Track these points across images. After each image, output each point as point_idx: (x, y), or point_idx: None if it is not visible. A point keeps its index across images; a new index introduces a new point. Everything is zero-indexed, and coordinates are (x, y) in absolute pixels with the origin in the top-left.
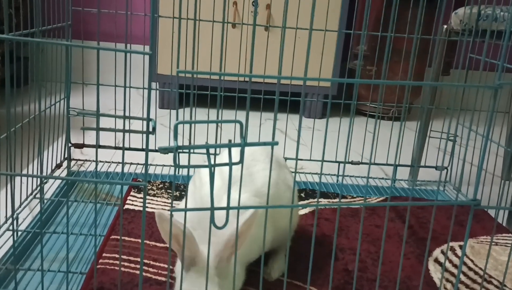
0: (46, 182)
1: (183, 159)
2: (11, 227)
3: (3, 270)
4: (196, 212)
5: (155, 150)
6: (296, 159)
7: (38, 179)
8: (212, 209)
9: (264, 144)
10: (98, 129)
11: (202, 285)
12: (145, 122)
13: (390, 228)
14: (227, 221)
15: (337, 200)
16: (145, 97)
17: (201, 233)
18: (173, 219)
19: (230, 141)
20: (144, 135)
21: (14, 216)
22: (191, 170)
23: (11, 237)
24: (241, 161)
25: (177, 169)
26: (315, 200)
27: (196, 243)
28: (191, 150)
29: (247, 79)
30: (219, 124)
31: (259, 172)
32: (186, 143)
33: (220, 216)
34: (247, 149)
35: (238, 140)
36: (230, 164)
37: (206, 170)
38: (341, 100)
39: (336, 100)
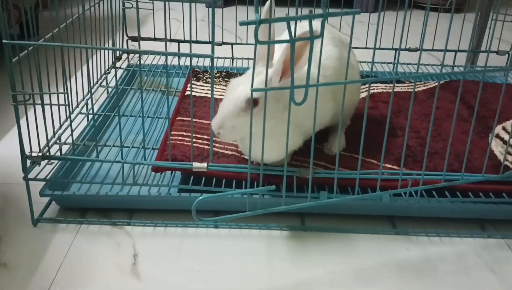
0: (109, 72)
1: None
2: (83, 111)
3: (81, 145)
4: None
5: (209, 42)
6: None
7: (103, 69)
8: (292, 88)
9: (346, 13)
10: None
11: (238, 82)
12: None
13: (451, 108)
14: (305, 97)
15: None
16: None
17: None
18: None
19: (311, 12)
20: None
21: (85, 101)
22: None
23: (83, 120)
24: (322, 34)
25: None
26: (373, 85)
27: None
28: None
29: None
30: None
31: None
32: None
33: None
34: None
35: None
36: (312, 38)
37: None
38: None
39: None
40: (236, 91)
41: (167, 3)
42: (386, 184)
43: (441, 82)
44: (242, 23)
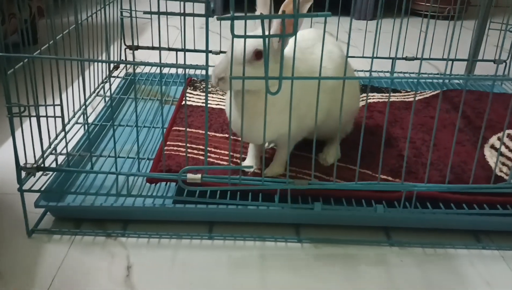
0: (106, 82)
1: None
2: (79, 121)
3: (77, 156)
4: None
5: (204, 51)
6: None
7: (100, 78)
8: (267, 78)
9: (317, 15)
10: (158, 13)
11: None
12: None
13: (446, 118)
14: (279, 88)
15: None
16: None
17: None
18: None
19: (283, 12)
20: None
21: (81, 111)
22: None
23: (79, 130)
24: (295, 32)
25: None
26: (369, 94)
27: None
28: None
29: None
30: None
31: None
32: None
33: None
34: (316, 32)
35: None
36: (283, 36)
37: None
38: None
39: None
40: (241, 43)
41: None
42: (381, 195)
43: (437, 91)
44: (218, 18)
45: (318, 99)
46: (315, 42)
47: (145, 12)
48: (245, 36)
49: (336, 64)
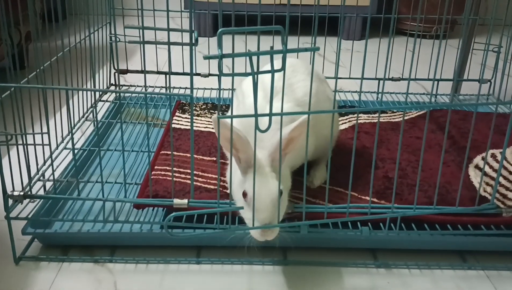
0: (96, 106)
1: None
2: (67, 146)
3: (64, 182)
4: (242, 122)
5: (197, 74)
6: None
7: (89, 103)
8: (256, 115)
9: (306, 50)
10: (143, 42)
11: (262, 182)
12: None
13: (431, 139)
14: (269, 125)
15: (376, 115)
16: (183, 22)
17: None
18: (229, 125)
19: (271, 48)
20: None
21: (70, 136)
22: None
23: (68, 155)
24: (283, 68)
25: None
26: (355, 116)
27: (251, 146)
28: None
29: (284, 2)
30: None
31: (299, 82)
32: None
33: (265, 123)
34: (287, 61)
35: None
36: (272, 71)
37: (248, 83)
38: (380, 19)
39: (375, 15)
40: (265, 191)
41: (152, 35)
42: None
43: (423, 112)
44: (205, 57)
45: (307, 134)
46: (292, 74)
47: (130, 42)
48: (233, 74)
49: (311, 106)
